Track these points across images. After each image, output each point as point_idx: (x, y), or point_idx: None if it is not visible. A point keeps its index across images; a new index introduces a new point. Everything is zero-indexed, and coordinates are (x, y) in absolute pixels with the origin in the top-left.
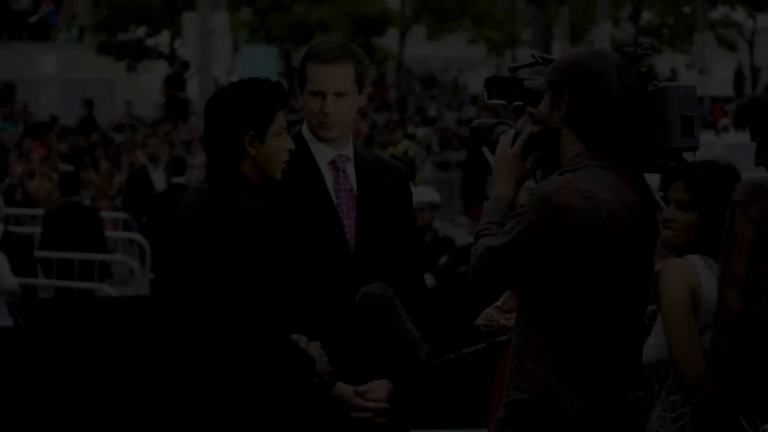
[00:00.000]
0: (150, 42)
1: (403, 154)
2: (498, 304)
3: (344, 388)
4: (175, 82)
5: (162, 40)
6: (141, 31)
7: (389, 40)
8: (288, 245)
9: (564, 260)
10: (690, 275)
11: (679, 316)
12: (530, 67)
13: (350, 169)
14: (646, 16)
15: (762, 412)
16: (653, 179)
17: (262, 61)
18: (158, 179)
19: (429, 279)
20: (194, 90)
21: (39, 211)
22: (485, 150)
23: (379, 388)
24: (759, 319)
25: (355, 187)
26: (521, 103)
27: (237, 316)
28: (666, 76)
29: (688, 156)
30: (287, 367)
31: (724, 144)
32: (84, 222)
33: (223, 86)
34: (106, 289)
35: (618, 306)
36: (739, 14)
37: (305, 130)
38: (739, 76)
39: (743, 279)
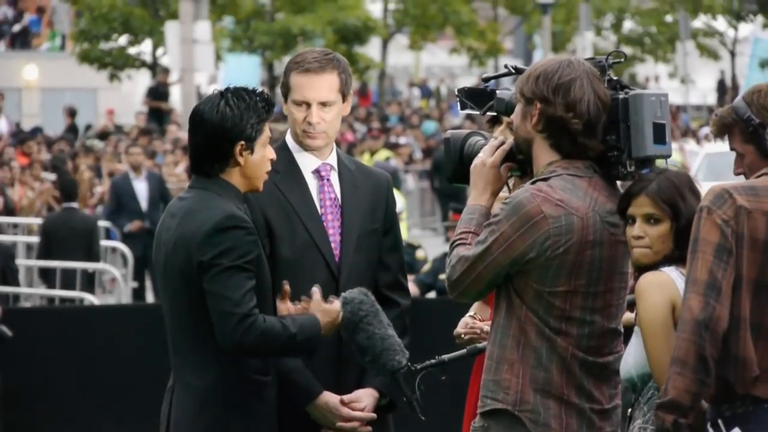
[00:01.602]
0: (132, 51)
1: (385, 161)
2: (471, 314)
3: (331, 398)
4: (157, 94)
5: (144, 48)
6: (123, 40)
7: (371, 49)
8: (273, 254)
9: (538, 269)
10: (668, 290)
11: (659, 334)
12: (504, 77)
13: (334, 178)
14: (628, 24)
15: (727, 419)
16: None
17: (245, 70)
18: (140, 188)
19: (411, 287)
20: (176, 99)
21: (20, 220)
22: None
23: (365, 397)
24: (720, 323)
25: (339, 196)
26: (495, 113)
27: (222, 325)
28: (643, 85)
29: (660, 164)
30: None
31: (706, 153)
32: (84, 229)
33: (212, 94)
34: (90, 298)
35: (593, 314)
36: (721, 24)
37: (289, 139)
38: (721, 85)
39: (705, 283)
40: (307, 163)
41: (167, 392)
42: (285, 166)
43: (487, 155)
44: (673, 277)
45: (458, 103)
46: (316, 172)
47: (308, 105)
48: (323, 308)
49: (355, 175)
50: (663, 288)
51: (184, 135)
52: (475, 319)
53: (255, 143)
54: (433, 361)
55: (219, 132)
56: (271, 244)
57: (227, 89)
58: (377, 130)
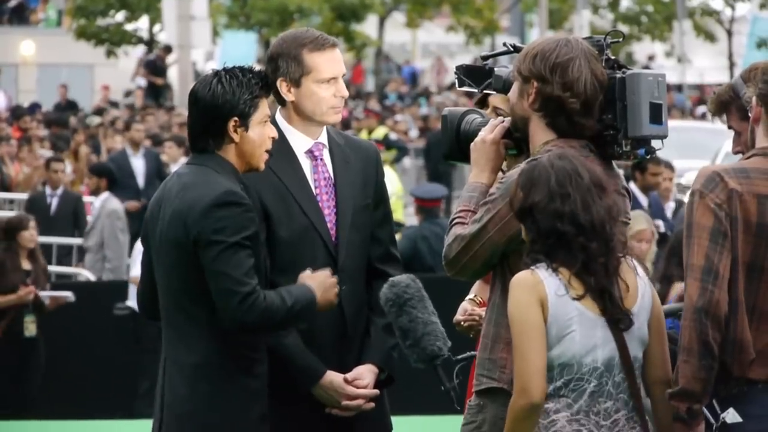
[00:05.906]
0: (129, 27)
1: (384, 138)
2: (471, 296)
3: (335, 377)
4: (154, 68)
5: (141, 25)
6: (120, 16)
7: (368, 27)
8: (271, 237)
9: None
10: (536, 288)
11: (525, 330)
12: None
13: (326, 157)
14: (625, 3)
15: (722, 399)
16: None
17: (242, 47)
18: (137, 165)
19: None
20: (174, 76)
21: (16, 196)
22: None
23: (367, 374)
24: (719, 307)
25: (332, 175)
26: (492, 92)
27: (225, 304)
28: (643, 63)
29: (657, 144)
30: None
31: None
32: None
33: (208, 73)
34: (86, 274)
35: None
36: (717, 2)
37: (280, 119)
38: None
39: (701, 268)
40: (299, 143)
41: (161, 367)
42: (277, 147)
43: (487, 132)
44: (542, 276)
45: (456, 80)
46: (309, 152)
47: (335, 80)
48: (310, 275)
49: (346, 151)
50: (532, 288)
51: (180, 112)
52: (474, 302)
53: (249, 120)
54: (471, 353)
55: (210, 108)
56: (268, 227)
57: (223, 68)
58: (373, 112)
